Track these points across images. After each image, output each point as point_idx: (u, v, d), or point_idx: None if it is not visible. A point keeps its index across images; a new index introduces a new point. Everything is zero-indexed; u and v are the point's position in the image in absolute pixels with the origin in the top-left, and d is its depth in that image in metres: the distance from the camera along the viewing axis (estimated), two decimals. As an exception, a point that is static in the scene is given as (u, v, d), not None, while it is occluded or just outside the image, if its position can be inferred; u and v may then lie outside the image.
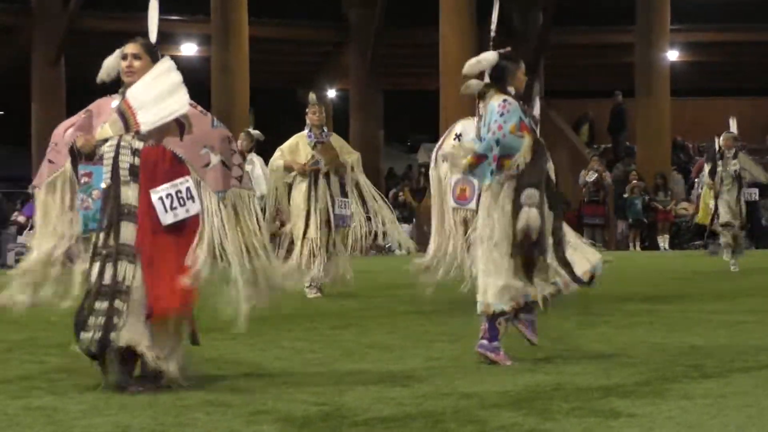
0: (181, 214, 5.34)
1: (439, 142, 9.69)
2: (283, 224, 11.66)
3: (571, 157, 27.98)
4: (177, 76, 5.47)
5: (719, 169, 14.76)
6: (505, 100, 6.31)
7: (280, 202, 11.45)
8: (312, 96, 12.04)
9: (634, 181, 24.41)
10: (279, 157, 11.54)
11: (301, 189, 11.34)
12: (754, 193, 15.45)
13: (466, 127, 9.43)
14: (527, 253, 6.16)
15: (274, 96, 34.35)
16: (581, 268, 6.41)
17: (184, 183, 5.36)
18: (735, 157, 14.98)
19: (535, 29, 30.91)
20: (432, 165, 9.78)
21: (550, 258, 6.25)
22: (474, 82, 6.59)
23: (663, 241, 24.89)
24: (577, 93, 31.49)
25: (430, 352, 6.89)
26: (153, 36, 5.61)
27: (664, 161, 26.72)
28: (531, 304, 6.38)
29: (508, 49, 6.65)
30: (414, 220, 25.28)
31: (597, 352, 6.75)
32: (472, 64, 6.55)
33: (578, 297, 9.26)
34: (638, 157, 27.05)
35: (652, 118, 26.86)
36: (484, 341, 6.34)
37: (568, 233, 6.59)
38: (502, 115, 6.24)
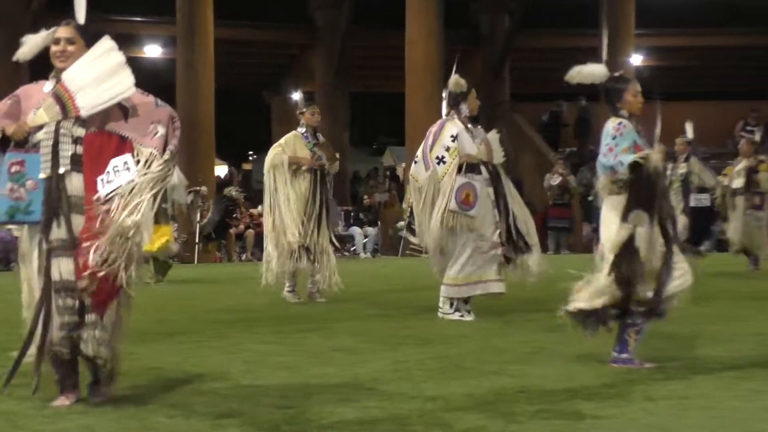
0: (116, 183, 4.95)
1: (428, 144, 9.23)
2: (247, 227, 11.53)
3: (537, 160, 28.10)
4: (118, 57, 5.16)
5: (669, 173, 14.89)
6: (620, 123, 6.31)
7: (283, 200, 10.99)
8: (301, 96, 11.87)
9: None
10: (281, 152, 11.14)
11: (304, 187, 11.05)
12: (705, 199, 15.40)
13: (456, 127, 9.22)
14: (622, 272, 6.08)
15: (239, 98, 34.28)
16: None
17: (122, 158, 5.00)
18: (686, 161, 15.10)
19: (502, 32, 31.04)
20: (423, 168, 9.25)
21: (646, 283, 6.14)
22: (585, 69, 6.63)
23: (714, 234, 24.85)
24: (543, 96, 31.57)
25: (396, 355, 6.89)
26: (81, 17, 5.23)
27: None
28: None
29: (622, 72, 6.63)
30: (379, 223, 25.29)
31: (562, 355, 6.77)
32: (572, 75, 6.64)
33: (543, 300, 9.30)
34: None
35: (617, 121, 26.98)
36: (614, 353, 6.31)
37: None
38: (614, 138, 6.25)
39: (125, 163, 5.01)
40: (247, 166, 37.57)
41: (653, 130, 6.36)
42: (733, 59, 32.53)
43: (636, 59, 29.48)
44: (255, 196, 27.26)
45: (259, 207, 24.81)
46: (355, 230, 24.46)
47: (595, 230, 23.12)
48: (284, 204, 10.95)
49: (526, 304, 9.97)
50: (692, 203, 15.00)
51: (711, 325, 8.38)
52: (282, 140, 11.38)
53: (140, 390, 5.53)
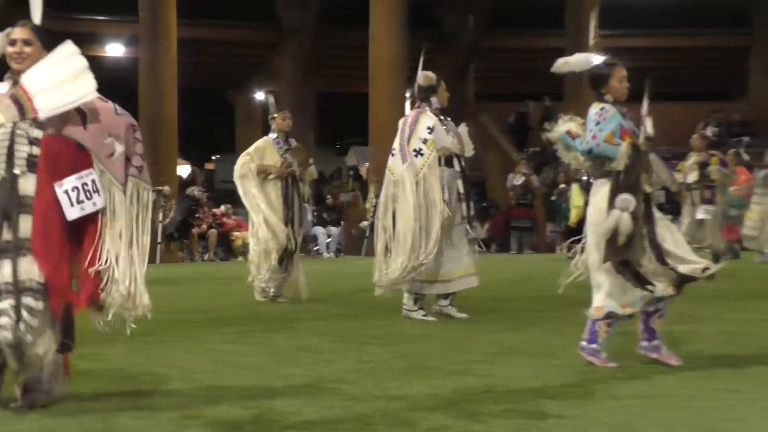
0: (88, 207, 4.98)
1: (405, 136, 9.07)
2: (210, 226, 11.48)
3: (501, 160, 28.19)
4: (81, 61, 5.09)
5: None
6: (602, 108, 6.33)
7: (258, 207, 10.98)
8: (272, 100, 11.68)
9: (563, 185, 24.63)
10: (249, 160, 11.09)
11: (274, 194, 11.03)
12: (660, 197, 15.46)
13: (431, 119, 9.14)
14: (618, 257, 6.06)
15: (204, 98, 34.17)
16: (687, 268, 6.22)
17: (90, 175, 5.00)
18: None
19: (468, 33, 31.10)
20: (400, 161, 9.07)
21: (647, 262, 6.15)
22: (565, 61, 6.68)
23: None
24: (508, 96, 31.71)
25: (361, 354, 6.88)
26: (37, 18, 5.16)
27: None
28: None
29: (608, 57, 6.61)
30: (342, 223, 25.29)
31: (526, 354, 6.79)
32: (559, 64, 6.54)
33: (508, 299, 9.35)
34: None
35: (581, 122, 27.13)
36: (583, 342, 6.31)
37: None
38: (597, 123, 6.26)
39: (93, 181, 5.01)
40: (210, 166, 37.45)
41: (641, 115, 6.44)
42: (696, 61, 32.80)
43: (600, 60, 29.60)
44: (218, 195, 27.19)
45: (222, 207, 24.82)
46: (318, 230, 24.44)
47: (558, 230, 23.24)
48: (264, 210, 10.94)
49: (491, 304, 10.00)
50: None
51: (674, 325, 8.40)
52: (252, 147, 11.31)
53: (104, 390, 5.49)
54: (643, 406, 4.93)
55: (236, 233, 24.26)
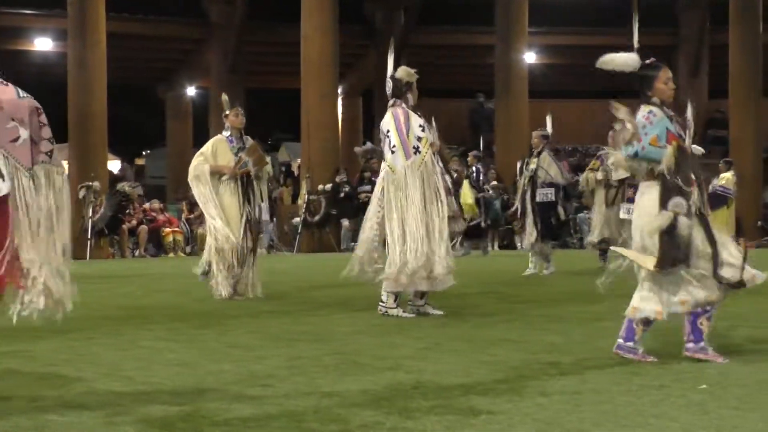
0: None
1: (404, 132, 8.95)
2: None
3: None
4: None
5: (523, 167, 15.18)
6: (650, 112, 6.26)
7: (214, 207, 10.84)
8: (225, 98, 11.47)
9: (494, 182, 24.75)
10: (203, 161, 10.97)
11: (229, 194, 10.92)
12: (550, 193, 15.37)
13: (418, 117, 9.05)
14: (670, 260, 6.03)
15: (133, 93, 33.89)
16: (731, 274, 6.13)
17: None
18: (538, 155, 15.27)
19: (398, 29, 31.14)
20: (403, 157, 8.96)
21: (701, 269, 6.08)
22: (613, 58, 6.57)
23: (521, 241, 25.25)
24: (440, 93, 31.81)
25: (292, 351, 6.87)
26: None
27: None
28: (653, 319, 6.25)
29: (653, 59, 6.50)
30: (274, 219, 25.22)
31: (457, 351, 6.82)
32: (605, 61, 6.47)
33: (439, 296, 9.38)
34: (497, 158, 27.44)
35: (510, 118, 27.36)
36: (620, 341, 6.29)
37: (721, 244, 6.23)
38: (644, 127, 6.19)
39: None
40: (140, 162, 37.17)
41: (686, 117, 6.35)
42: (623, 58, 33.07)
43: (529, 57, 29.84)
44: (148, 191, 26.99)
45: (150, 202, 24.65)
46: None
47: (489, 226, 23.34)
48: (220, 210, 10.83)
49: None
50: (538, 198, 14.98)
51: (603, 322, 8.50)
52: (205, 147, 11.20)
53: (32, 388, 5.43)
54: (572, 401, 4.98)
55: (167, 229, 24.12)
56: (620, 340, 6.31)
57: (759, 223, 27.07)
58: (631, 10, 31.53)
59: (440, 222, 8.90)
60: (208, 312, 9.66)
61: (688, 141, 6.29)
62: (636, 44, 6.45)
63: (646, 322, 6.26)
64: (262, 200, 11.31)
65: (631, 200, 15.45)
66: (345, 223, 24.97)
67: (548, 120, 15.83)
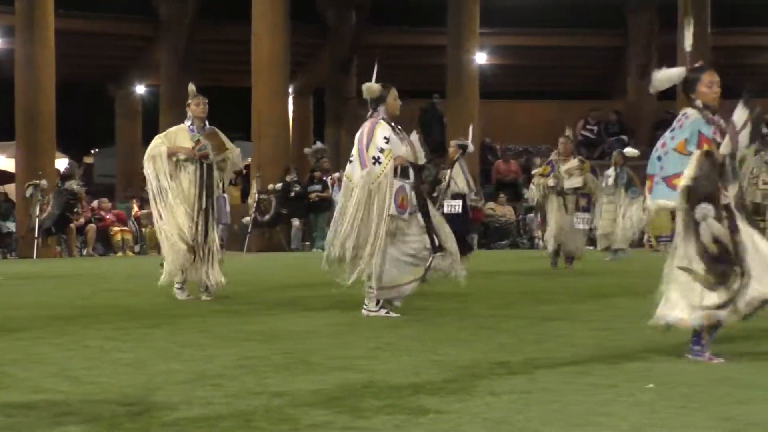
0: None
1: (364, 143, 8.94)
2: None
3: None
4: None
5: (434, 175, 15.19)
6: (683, 114, 6.17)
7: (165, 195, 10.46)
8: (192, 87, 11.10)
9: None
10: (160, 143, 10.57)
11: (186, 180, 10.53)
12: (457, 206, 15.21)
13: (387, 129, 8.98)
14: (719, 267, 5.95)
15: (82, 90, 33.61)
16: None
17: None
18: (451, 166, 15.25)
19: (349, 28, 31.14)
20: (359, 167, 8.92)
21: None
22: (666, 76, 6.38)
23: (471, 240, 25.34)
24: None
25: (242, 351, 6.84)
26: None
27: (473, 162, 27.25)
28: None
29: (701, 63, 6.36)
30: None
31: (408, 350, 6.82)
32: (660, 79, 6.38)
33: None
34: (449, 159, 27.50)
35: (462, 119, 27.42)
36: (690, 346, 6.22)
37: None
38: (672, 130, 6.11)
39: None
40: (89, 160, 36.87)
41: (729, 122, 6.18)
42: (573, 59, 33.34)
43: (480, 57, 29.95)
44: (97, 189, 26.79)
45: (98, 201, 24.48)
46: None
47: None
48: (172, 199, 10.45)
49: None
50: (445, 209, 14.66)
51: (552, 322, 8.56)
52: (166, 131, 10.89)
53: None
54: (521, 401, 4.99)
55: (116, 228, 23.97)
56: (690, 346, 6.23)
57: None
58: (623, 12, 31.59)
59: (401, 234, 8.90)
60: (158, 311, 9.60)
61: (724, 147, 6.11)
62: (688, 47, 6.37)
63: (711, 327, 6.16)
64: (223, 191, 10.98)
65: (585, 209, 15.63)
66: (295, 222, 24.94)
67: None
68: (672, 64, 6.55)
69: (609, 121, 31.53)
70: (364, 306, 8.96)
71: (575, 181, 15.54)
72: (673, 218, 6.34)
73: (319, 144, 27.19)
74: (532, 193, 16.02)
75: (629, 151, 19.97)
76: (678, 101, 28.17)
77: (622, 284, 12.62)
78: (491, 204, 26.77)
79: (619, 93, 33.40)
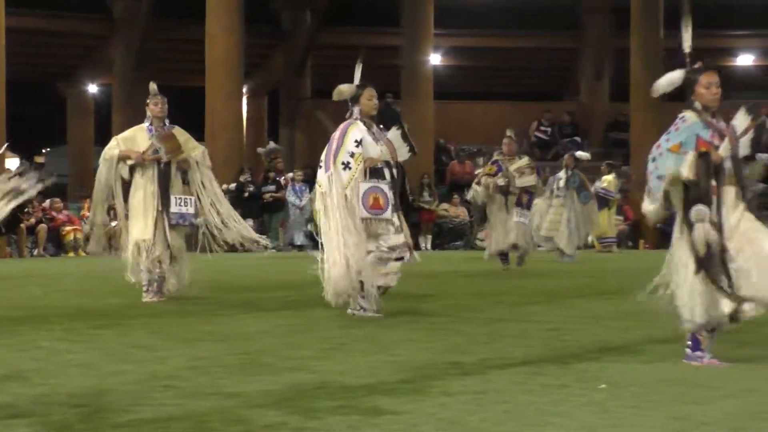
0: None
1: (332, 149, 8.80)
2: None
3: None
4: None
5: None
6: (681, 117, 6.13)
7: (114, 198, 10.41)
8: (153, 86, 10.96)
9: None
10: (114, 146, 10.45)
11: (140, 183, 10.40)
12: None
13: (360, 131, 8.92)
14: (712, 269, 5.90)
15: (33, 89, 33.31)
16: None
17: None
18: None
19: (304, 29, 31.09)
20: (325, 172, 8.78)
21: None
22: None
23: (425, 241, 25.41)
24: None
25: (195, 351, 6.81)
26: None
27: (427, 162, 27.33)
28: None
29: (700, 63, 6.23)
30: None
31: (362, 351, 6.82)
32: (661, 85, 6.30)
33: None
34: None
35: (416, 119, 27.45)
36: (687, 350, 6.16)
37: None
38: (668, 133, 6.06)
39: None
40: (40, 159, 36.56)
41: (729, 123, 6.16)
42: (528, 61, 33.49)
43: (435, 59, 30.01)
44: (47, 189, 26.53)
45: (48, 201, 24.24)
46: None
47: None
48: (130, 200, 10.40)
49: (323, 300, 9.99)
50: None
51: (505, 323, 8.60)
52: (123, 133, 10.75)
53: None
54: (474, 401, 5.00)
55: (67, 228, 23.77)
56: (687, 350, 6.19)
57: (658, 225, 27.49)
58: (577, 13, 31.65)
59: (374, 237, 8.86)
60: (109, 312, 9.53)
61: (723, 149, 6.06)
62: (688, 48, 6.33)
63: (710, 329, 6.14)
64: (191, 193, 10.81)
65: (527, 205, 15.68)
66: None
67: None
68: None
69: (563, 122, 31.71)
70: (350, 308, 8.89)
71: (527, 180, 15.57)
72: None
73: (272, 144, 27.10)
74: (477, 193, 15.92)
75: (581, 154, 20.11)
76: (630, 104, 28.45)
77: (572, 285, 12.69)
78: (445, 205, 26.82)
79: (573, 94, 33.60)
